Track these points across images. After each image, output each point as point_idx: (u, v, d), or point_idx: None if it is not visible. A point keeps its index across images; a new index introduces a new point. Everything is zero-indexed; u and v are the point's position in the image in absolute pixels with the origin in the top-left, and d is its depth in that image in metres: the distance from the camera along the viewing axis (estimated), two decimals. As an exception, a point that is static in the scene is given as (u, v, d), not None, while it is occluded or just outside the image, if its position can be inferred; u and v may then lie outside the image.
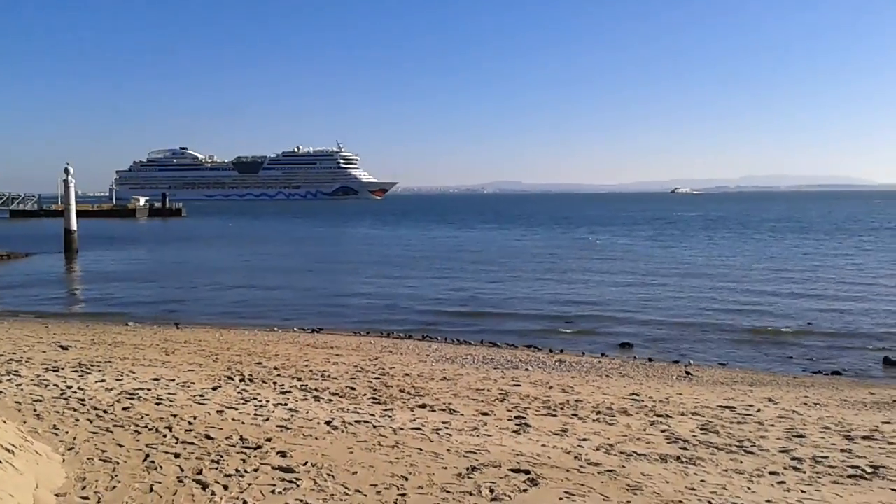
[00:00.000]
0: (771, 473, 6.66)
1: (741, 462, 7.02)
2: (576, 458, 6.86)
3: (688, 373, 14.04)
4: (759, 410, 9.88)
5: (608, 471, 6.43)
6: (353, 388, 10.27)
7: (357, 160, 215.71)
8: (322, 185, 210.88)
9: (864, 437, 8.30)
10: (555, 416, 9.02)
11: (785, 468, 6.87)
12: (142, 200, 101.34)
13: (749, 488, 6.17)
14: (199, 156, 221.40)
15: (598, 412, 9.31)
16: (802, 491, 6.18)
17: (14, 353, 12.36)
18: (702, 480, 6.31)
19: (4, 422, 6.11)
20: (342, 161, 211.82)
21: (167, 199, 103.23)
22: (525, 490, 5.78)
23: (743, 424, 8.84)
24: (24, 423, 7.10)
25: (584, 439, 7.68)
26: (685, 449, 7.44)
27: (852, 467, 6.96)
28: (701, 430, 8.42)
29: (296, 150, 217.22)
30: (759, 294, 25.38)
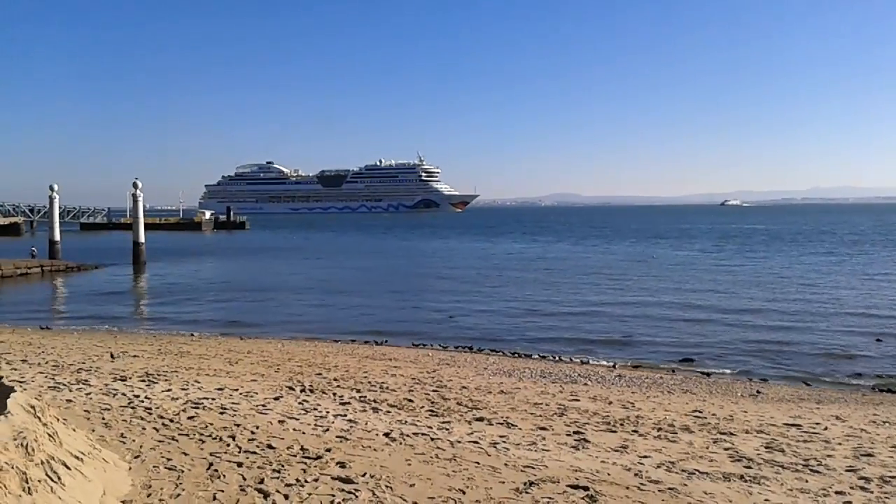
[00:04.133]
0: (837, 493, 6.46)
1: (807, 481, 6.83)
2: (636, 475, 6.76)
3: (758, 391, 13.68)
4: (826, 428, 9.60)
5: (669, 489, 6.32)
6: (410, 401, 10.32)
7: (438, 173, 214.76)
8: (404, 197, 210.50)
9: (939, 459, 7.99)
10: (614, 431, 8.91)
11: (852, 488, 6.66)
12: (207, 214, 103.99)
13: (815, 509, 6.00)
14: (285, 170, 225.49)
15: (660, 429, 9.17)
16: (872, 513, 5.98)
17: (83, 363, 12.79)
18: (766, 500, 6.16)
19: (74, 430, 6.30)
20: (423, 174, 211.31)
21: (231, 213, 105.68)
22: (583, 506, 5.71)
23: (809, 443, 8.60)
24: (93, 431, 7.32)
25: (645, 456, 7.57)
26: (749, 467, 7.27)
27: (925, 489, 6.71)
28: (766, 448, 8.21)
29: (378, 163, 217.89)
30: (824, 308, 24.67)
